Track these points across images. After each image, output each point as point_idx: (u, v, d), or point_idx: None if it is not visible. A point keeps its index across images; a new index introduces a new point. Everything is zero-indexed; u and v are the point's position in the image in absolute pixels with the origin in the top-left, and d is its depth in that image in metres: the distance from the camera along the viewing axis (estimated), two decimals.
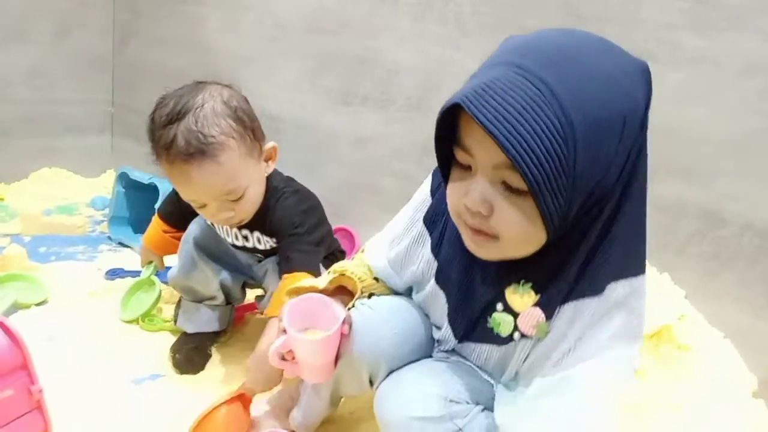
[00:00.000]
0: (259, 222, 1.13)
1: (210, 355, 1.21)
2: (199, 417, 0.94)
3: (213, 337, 1.23)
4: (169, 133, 0.98)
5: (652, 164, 1.21)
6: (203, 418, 0.94)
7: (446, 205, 0.70)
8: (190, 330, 1.21)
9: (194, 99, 1.00)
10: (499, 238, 0.63)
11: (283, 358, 0.79)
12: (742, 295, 1.08)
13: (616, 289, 0.65)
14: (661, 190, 1.14)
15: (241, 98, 1.06)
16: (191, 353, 1.17)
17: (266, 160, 1.10)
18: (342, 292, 0.85)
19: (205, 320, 1.21)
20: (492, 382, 0.78)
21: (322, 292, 0.81)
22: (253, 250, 1.20)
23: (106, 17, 2.20)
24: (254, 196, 1.07)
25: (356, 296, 0.84)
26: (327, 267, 1.07)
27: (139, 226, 1.75)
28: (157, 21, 2.08)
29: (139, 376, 1.13)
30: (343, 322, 0.76)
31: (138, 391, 1.08)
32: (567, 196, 0.58)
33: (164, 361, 1.18)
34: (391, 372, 0.80)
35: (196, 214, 1.19)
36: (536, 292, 0.67)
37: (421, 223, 0.81)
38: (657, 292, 1.15)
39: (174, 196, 1.28)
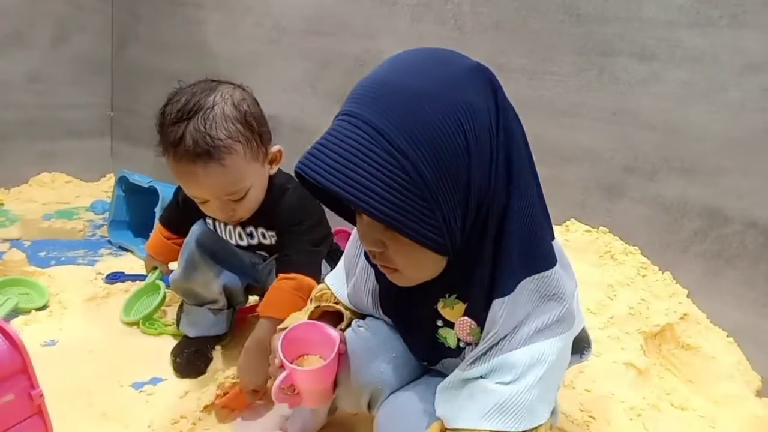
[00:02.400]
0: (263, 218, 1.14)
1: (211, 359, 1.20)
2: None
3: (215, 341, 1.23)
4: (177, 131, 0.99)
5: (653, 162, 1.20)
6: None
7: None
8: (191, 334, 1.20)
9: (206, 99, 1.01)
10: (398, 269, 0.66)
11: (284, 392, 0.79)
12: (745, 293, 1.07)
13: (529, 285, 0.64)
14: (663, 188, 1.14)
15: (251, 101, 1.07)
16: (192, 357, 1.17)
17: (270, 163, 1.11)
18: (325, 316, 0.87)
19: (207, 324, 1.21)
20: None
21: None
22: (259, 247, 1.20)
23: (105, 21, 2.20)
24: (256, 196, 1.09)
25: (346, 317, 0.86)
26: (331, 264, 1.07)
27: (139, 229, 1.74)
28: (156, 24, 2.08)
29: (140, 379, 1.12)
30: (339, 342, 0.77)
31: (139, 395, 1.08)
32: (437, 216, 0.58)
33: (165, 364, 1.17)
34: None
35: (196, 220, 1.19)
36: (463, 301, 0.69)
37: (362, 258, 0.82)
38: (659, 291, 1.14)
39: (174, 203, 1.29)
